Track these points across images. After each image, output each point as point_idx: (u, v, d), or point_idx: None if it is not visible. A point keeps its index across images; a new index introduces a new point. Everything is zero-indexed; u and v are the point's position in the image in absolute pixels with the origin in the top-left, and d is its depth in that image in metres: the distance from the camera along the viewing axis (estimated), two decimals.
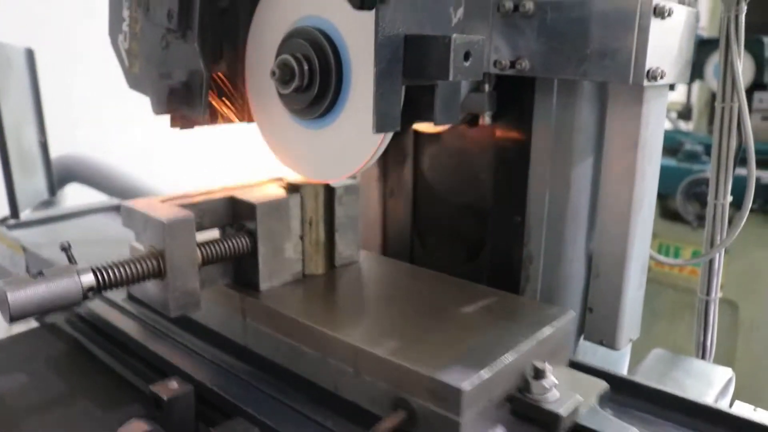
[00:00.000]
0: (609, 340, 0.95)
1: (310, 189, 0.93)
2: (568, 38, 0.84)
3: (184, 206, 0.83)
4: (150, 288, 0.81)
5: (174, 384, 0.79)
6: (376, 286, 0.98)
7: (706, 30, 2.82)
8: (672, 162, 2.42)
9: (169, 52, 0.86)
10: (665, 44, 0.83)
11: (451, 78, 0.64)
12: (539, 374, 0.72)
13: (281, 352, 0.85)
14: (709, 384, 0.97)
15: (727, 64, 0.99)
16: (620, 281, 0.92)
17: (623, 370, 1.10)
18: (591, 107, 0.91)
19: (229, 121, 0.92)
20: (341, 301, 0.93)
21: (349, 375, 0.76)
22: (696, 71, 2.60)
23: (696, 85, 3.00)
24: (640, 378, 0.88)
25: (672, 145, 2.51)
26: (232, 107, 0.92)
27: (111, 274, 0.75)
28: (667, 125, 3.23)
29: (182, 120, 0.90)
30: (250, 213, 0.87)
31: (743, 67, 0.98)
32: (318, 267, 0.96)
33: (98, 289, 0.74)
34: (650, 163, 0.90)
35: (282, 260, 0.91)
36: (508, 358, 0.72)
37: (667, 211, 2.40)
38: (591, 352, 1.01)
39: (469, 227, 1.08)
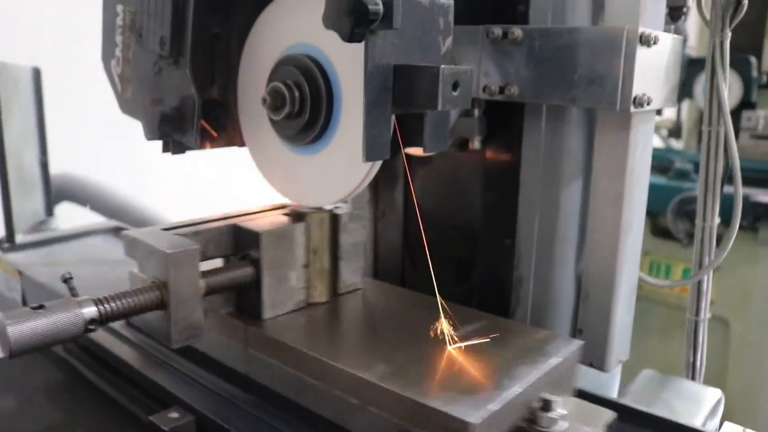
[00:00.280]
0: (598, 362, 0.96)
1: (315, 217, 0.92)
2: (556, 65, 0.85)
3: (187, 235, 0.82)
4: (151, 317, 0.79)
5: (174, 414, 0.78)
6: (379, 314, 0.97)
7: (695, 49, 2.85)
8: (663, 180, 2.44)
9: (162, 78, 0.87)
10: (651, 71, 0.84)
11: (439, 108, 0.65)
12: (547, 406, 0.72)
13: (284, 382, 0.84)
14: (699, 405, 0.98)
15: (713, 88, 1.01)
16: (609, 303, 0.93)
17: (614, 391, 1.10)
18: (579, 132, 0.92)
19: (220, 146, 0.93)
20: (345, 330, 0.92)
21: (354, 407, 0.75)
22: (685, 90, 2.63)
23: (686, 104, 3.03)
24: (647, 407, 0.88)
25: (663, 164, 2.53)
26: (223, 132, 0.92)
27: (113, 306, 0.73)
28: (659, 143, 3.25)
29: (174, 145, 0.90)
30: (254, 242, 0.86)
31: (731, 87, 1.00)
32: (321, 295, 0.95)
33: (100, 322, 0.73)
34: (638, 187, 0.92)
35: (286, 289, 0.90)
36: (517, 390, 0.72)
37: (658, 228, 2.41)
38: (581, 374, 1.01)
39: (459, 249, 1.09)
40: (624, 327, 0.97)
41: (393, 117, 0.70)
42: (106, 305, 0.73)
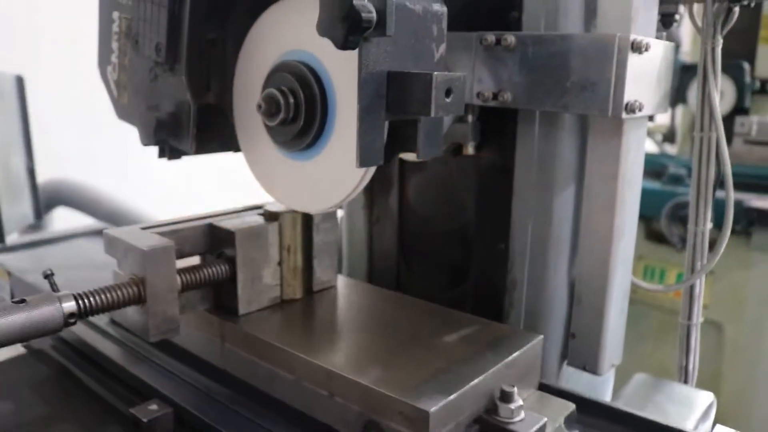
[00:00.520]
0: (591, 366, 0.96)
1: (288, 217, 0.96)
2: (549, 72, 0.86)
3: (164, 234, 0.86)
4: (131, 313, 0.83)
5: (154, 406, 0.81)
6: (351, 311, 1.01)
7: (689, 55, 2.87)
8: (657, 185, 2.45)
9: (157, 84, 0.87)
10: (643, 78, 0.85)
11: (432, 114, 0.65)
12: (506, 397, 0.75)
13: (259, 375, 0.87)
14: (691, 409, 0.98)
15: (705, 95, 1.01)
16: (602, 307, 0.94)
17: (607, 395, 1.11)
18: (572, 138, 0.93)
19: (216, 151, 0.93)
20: (317, 325, 0.96)
21: (324, 398, 0.79)
22: (679, 96, 2.65)
23: (680, 110, 3.05)
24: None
25: (657, 168, 2.54)
26: (219, 138, 0.93)
27: (92, 301, 0.76)
28: (653, 148, 3.27)
29: (170, 151, 0.91)
30: (229, 240, 0.89)
31: (725, 92, 1.01)
32: (296, 292, 0.99)
33: (79, 316, 0.76)
34: (630, 192, 0.92)
35: (260, 286, 0.94)
36: (475, 381, 0.75)
37: (652, 233, 2.43)
38: (575, 378, 1.02)
39: (454, 254, 1.09)
40: (617, 331, 0.97)
41: (386, 123, 0.70)
42: (86, 300, 0.76)
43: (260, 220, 0.95)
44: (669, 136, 3.13)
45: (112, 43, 0.92)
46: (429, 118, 0.72)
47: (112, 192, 2.28)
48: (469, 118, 0.95)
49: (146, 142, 0.91)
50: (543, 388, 0.89)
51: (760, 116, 2.66)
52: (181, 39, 0.83)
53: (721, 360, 2.33)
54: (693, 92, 2.63)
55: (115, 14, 0.90)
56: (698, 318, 1.10)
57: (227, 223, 0.91)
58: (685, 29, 2.68)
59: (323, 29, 0.63)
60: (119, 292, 0.78)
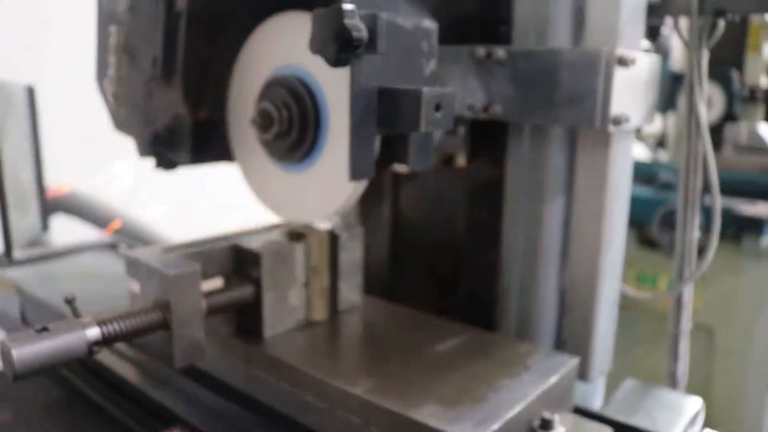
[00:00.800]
0: (581, 373, 0.98)
1: (314, 236, 0.93)
2: (538, 85, 0.87)
3: (188, 256, 0.83)
4: (153, 337, 0.79)
5: None
6: (379, 332, 0.98)
7: (680, 63, 2.89)
8: (648, 191, 2.47)
9: (154, 97, 0.89)
10: (630, 91, 0.87)
11: (422, 129, 0.67)
12: (546, 425, 0.74)
13: (285, 400, 0.84)
14: (679, 414, 1.00)
15: (692, 106, 1.03)
16: (591, 316, 0.95)
17: (598, 401, 1.12)
18: (561, 150, 0.94)
19: (212, 162, 0.95)
20: (346, 348, 0.93)
21: (356, 426, 0.76)
22: (670, 103, 2.68)
23: (671, 117, 3.07)
24: (628, 417, 0.90)
25: (649, 175, 2.57)
26: (214, 149, 0.94)
27: (116, 327, 0.73)
28: (647, 154, 3.29)
29: (167, 162, 0.92)
30: (254, 261, 0.87)
31: (714, 100, 1.03)
32: (321, 313, 0.97)
33: (103, 343, 0.73)
34: (618, 203, 0.94)
35: (286, 308, 0.92)
36: (517, 409, 0.73)
37: (644, 239, 2.44)
38: None
39: (446, 263, 1.11)
40: (606, 338, 0.99)
41: (378, 137, 0.72)
42: (110, 326, 0.73)
43: (285, 239, 0.93)
44: (662, 142, 3.16)
45: (109, 56, 0.93)
46: (419, 132, 0.74)
47: (115, 202, 2.29)
48: (460, 130, 0.96)
49: (143, 153, 0.92)
50: (578, 411, 0.88)
51: (750, 123, 2.70)
52: (176, 53, 0.84)
53: (712, 365, 2.35)
54: (683, 100, 2.64)
55: (112, 28, 0.92)
56: (686, 325, 1.12)
57: (252, 244, 0.89)
58: (676, 38, 2.69)
59: (315, 47, 0.65)
60: (143, 318, 0.75)
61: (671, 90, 2.56)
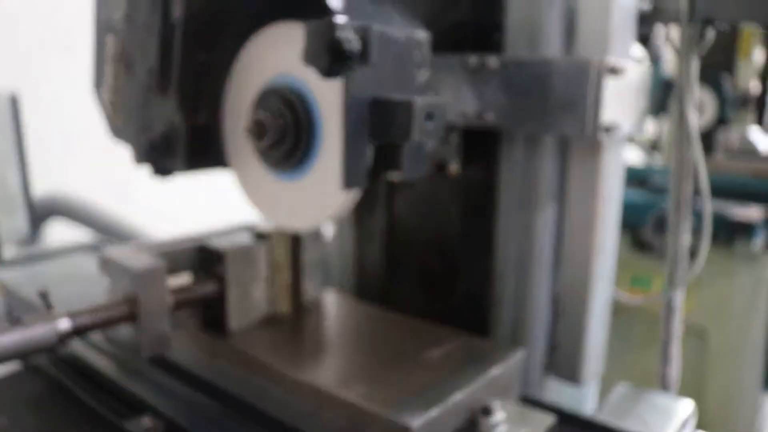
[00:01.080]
0: (573, 377, 0.99)
1: (277, 236, 1.00)
2: (530, 94, 0.89)
3: (157, 254, 0.89)
4: (124, 330, 0.86)
5: (146, 421, 0.84)
6: (338, 327, 1.04)
7: (673, 68, 2.91)
8: (642, 195, 2.49)
9: (150, 106, 0.89)
10: (620, 99, 0.88)
11: (414, 139, 0.68)
12: (487, 411, 0.78)
13: (248, 390, 0.89)
14: (671, 417, 1.01)
15: (682, 113, 1.04)
16: (583, 321, 0.97)
17: (591, 404, 1.13)
18: (554, 157, 0.95)
19: (207, 168, 0.96)
20: (305, 341, 0.99)
21: (312, 413, 0.82)
22: (663, 108, 2.69)
23: (665, 121, 3.09)
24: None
25: (643, 179, 2.58)
26: (210, 156, 0.95)
27: (86, 319, 0.80)
28: (641, 157, 3.31)
29: (163, 169, 0.93)
30: (219, 259, 0.93)
31: (706, 105, 1.04)
32: (284, 308, 1.03)
33: (73, 334, 0.79)
34: (610, 209, 0.95)
35: (250, 303, 0.98)
36: (457, 396, 0.78)
37: (638, 242, 2.46)
38: (559, 388, 1.04)
39: (440, 269, 1.12)
40: (598, 343, 1.00)
41: (370, 146, 0.73)
42: (80, 318, 0.79)
43: (250, 239, 0.99)
44: (656, 146, 3.18)
45: (106, 65, 0.94)
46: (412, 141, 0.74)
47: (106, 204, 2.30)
48: (453, 138, 0.97)
49: (139, 160, 0.93)
50: (525, 400, 0.91)
51: (741, 128, 2.72)
52: (172, 62, 0.85)
53: (706, 367, 2.36)
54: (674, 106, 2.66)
55: (109, 37, 0.92)
56: (679, 329, 1.13)
57: (217, 244, 0.95)
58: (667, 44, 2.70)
59: (308, 58, 0.66)
60: (112, 311, 0.82)
61: (664, 95, 2.58)
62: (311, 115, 0.79)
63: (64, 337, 0.77)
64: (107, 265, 0.88)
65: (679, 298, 1.12)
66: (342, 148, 0.69)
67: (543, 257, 0.99)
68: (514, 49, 0.94)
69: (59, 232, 2.20)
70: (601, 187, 0.91)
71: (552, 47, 0.92)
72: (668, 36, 1.07)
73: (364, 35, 0.65)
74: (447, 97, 0.94)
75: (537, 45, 0.92)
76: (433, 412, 0.74)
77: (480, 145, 1.00)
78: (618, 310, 1.04)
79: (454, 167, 1.00)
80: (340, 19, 0.63)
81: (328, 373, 0.87)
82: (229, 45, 0.91)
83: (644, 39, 1.09)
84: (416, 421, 0.72)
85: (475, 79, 0.93)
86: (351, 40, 0.63)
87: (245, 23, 0.88)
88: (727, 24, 0.99)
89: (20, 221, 1.66)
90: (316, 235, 1.04)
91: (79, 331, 0.79)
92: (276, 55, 0.84)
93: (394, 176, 0.78)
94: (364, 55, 0.65)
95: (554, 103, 0.87)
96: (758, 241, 2.24)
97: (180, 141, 0.90)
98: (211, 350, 0.95)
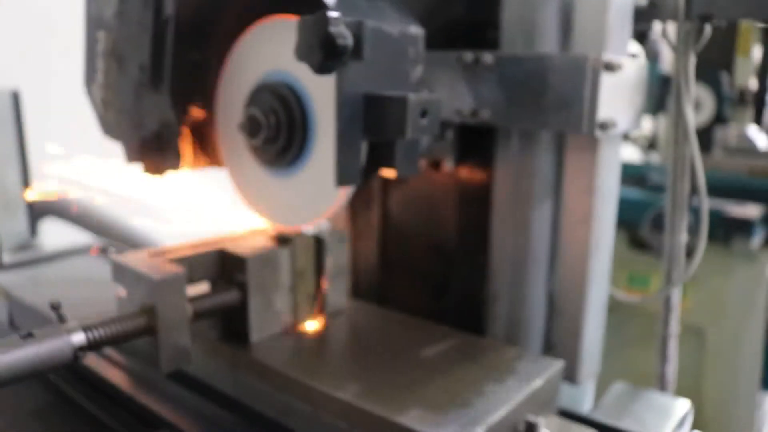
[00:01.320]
0: (570, 376, 0.98)
1: (300, 240, 0.93)
2: (526, 90, 0.88)
3: (174, 261, 0.83)
4: (140, 342, 0.79)
5: None
6: (365, 337, 0.98)
7: (671, 65, 2.91)
8: (640, 193, 2.48)
9: (142, 103, 0.88)
10: (616, 96, 0.88)
11: (408, 136, 0.67)
12: (531, 428, 0.75)
13: (271, 404, 0.85)
14: (668, 417, 1.00)
15: (679, 111, 1.04)
16: (579, 319, 0.96)
17: (587, 403, 1.13)
18: (549, 154, 0.95)
19: (201, 167, 0.95)
20: (332, 352, 0.93)
21: (341, 430, 0.77)
22: (660, 105, 2.69)
23: (662, 119, 3.09)
24: (617, 420, 0.91)
25: (640, 177, 2.57)
26: (203, 154, 0.94)
27: (101, 333, 0.73)
28: (638, 155, 3.30)
29: (155, 167, 0.92)
30: (240, 266, 0.87)
31: (704, 103, 1.03)
32: (307, 317, 0.97)
33: (89, 348, 0.72)
34: (606, 206, 0.95)
35: (272, 312, 0.91)
36: (502, 413, 0.73)
37: (635, 241, 2.45)
38: None
39: (435, 267, 1.11)
40: (594, 342, 1.00)
41: (364, 144, 0.72)
42: (95, 332, 0.72)
43: (271, 244, 0.92)
44: (653, 144, 3.17)
45: (97, 61, 0.93)
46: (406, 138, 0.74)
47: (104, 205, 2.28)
48: (449, 135, 0.97)
49: (131, 159, 0.92)
50: (563, 414, 0.88)
51: (739, 125, 2.72)
52: (164, 59, 0.84)
53: (703, 366, 2.36)
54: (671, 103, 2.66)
55: (101, 34, 0.91)
56: (675, 327, 1.12)
57: (238, 249, 0.89)
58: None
59: (301, 54, 0.65)
60: (129, 323, 0.75)
61: (661, 92, 2.57)
62: (305, 112, 0.78)
63: (78, 353, 0.71)
64: (121, 273, 0.81)
65: (677, 296, 1.11)
66: (335, 145, 0.68)
67: (539, 255, 0.98)
68: (510, 46, 0.93)
69: (56, 233, 2.19)
70: (597, 184, 0.91)
71: (548, 44, 0.91)
72: (665, 33, 1.06)
73: (357, 31, 0.64)
74: (442, 94, 0.93)
75: (533, 42, 0.91)
76: (479, 430, 0.70)
77: (475, 142, 0.99)
78: (615, 309, 1.03)
79: (449, 164, 0.99)
80: (333, 14, 0.62)
81: (359, 387, 0.79)
82: (222, 42, 0.90)
83: (642, 36, 1.08)
84: None
85: (471, 76, 0.92)
86: (344, 36, 0.62)
87: (237, 21, 0.88)
88: (725, 21, 0.98)
89: (21, 224, 1.63)
90: (340, 238, 0.98)
91: (94, 346, 0.73)
92: (269, 50, 0.84)
93: (388, 173, 0.78)
94: (357, 51, 0.65)
95: (550, 100, 0.86)
96: (756, 239, 2.23)
97: (172, 139, 0.89)
98: (232, 362, 0.88)
